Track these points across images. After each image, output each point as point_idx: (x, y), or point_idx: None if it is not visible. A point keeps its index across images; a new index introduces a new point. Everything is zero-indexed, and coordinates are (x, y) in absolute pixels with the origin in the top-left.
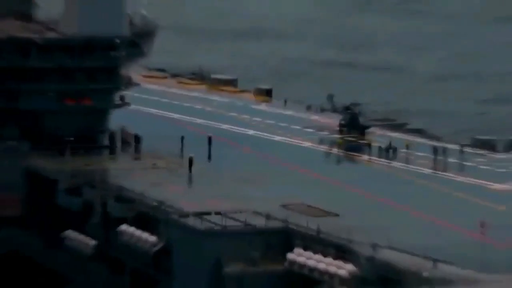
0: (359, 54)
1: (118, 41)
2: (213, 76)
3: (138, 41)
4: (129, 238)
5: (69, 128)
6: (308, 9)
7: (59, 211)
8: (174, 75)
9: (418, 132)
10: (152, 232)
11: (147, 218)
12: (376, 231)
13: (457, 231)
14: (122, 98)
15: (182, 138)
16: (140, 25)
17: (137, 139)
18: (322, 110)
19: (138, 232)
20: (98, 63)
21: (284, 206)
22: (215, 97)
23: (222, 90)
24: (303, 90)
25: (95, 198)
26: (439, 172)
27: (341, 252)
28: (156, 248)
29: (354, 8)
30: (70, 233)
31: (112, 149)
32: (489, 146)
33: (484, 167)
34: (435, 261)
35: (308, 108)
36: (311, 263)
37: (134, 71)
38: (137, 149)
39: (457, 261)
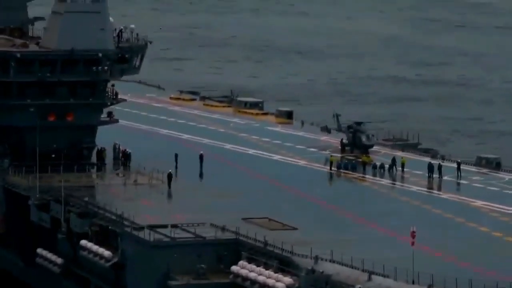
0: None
1: (100, 55)
2: (239, 98)
3: (128, 56)
4: (87, 254)
5: (52, 145)
6: (397, 29)
7: (33, 227)
8: (204, 98)
9: (427, 151)
10: (110, 246)
11: (106, 233)
12: (329, 244)
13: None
14: (109, 114)
15: (176, 155)
16: (131, 40)
17: (126, 155)
18: (328, 130)
19: (95, 247)
20: (80, 77)
21: (246, 219)
22: (235, 119)
23: (246, 112)
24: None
25: (60, 214)
26: (425, 189)
27: (284, 264)
28: (110, 263)
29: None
30: (41, 251)
31: (100, 165)
32: (494, 164)
33: (478, 185)
34: (371, 273)
35: (323, 128)
36: (252, 275)
37: (163, 93)
38: (126, 166)
39: (399, 274)
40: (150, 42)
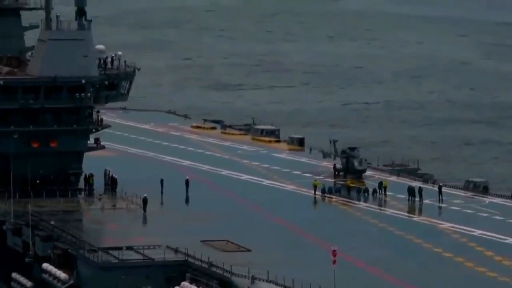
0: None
1: (83, 81)
2: (256, 126)
3: (116, 83)
4: (48, 277)
5: (39, 171)
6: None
7: (9, 251)
8: (225, 126)
9: (421, 176)
10: (71, 269)
11: (68, 256)
12: (275, 265)
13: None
14: (96, 140)
15: (162, 181)
16: (119, 67)
17: (113, 181)
18: (324, 155)
19: (54, 270)
20: (64, 104)
21: (204, 241)
22: (244, 147)
23: (260, 140)
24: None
25: (28, 238)
26: (398, 212)
27: (224, 285)
28: (66, 285)
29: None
30: (15, 275)
31: (84, 191)
32: (481, 188)
33: (454, 208)
34: None
35: (325, 154)
36: None
37: (188, 122)
38: (112, 191)
39: None
40: (138, 69)
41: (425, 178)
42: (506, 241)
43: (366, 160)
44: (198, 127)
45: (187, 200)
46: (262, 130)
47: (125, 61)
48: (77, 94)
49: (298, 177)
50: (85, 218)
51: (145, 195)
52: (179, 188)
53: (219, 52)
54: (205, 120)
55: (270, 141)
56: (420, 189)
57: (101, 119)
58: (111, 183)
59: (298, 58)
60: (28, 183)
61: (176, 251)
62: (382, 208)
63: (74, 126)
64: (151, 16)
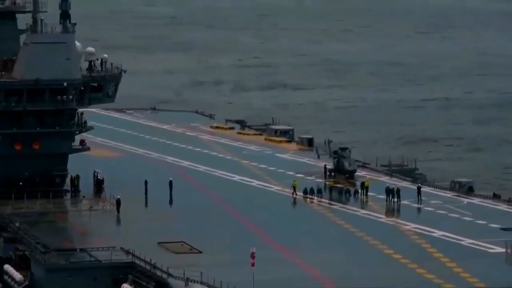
0: None
1: (65, 84)
2: (271, 127)
3: (102, 85)
4: (7, 278)
5: (23, 172)
6: None
7: None
8: (244, 126)
9: (414, 178)
10: (28, 271)
11: (26, 258)
12: (219, 266)
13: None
14: (82, 142)
15: (146, 182)
16: (104, 69)
17: (99, 182)
18: (319, 155)
19: (12, 271)
20: (46, 106)
21: (160, 243)
22: (252, 146)
23: (272, 140)
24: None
25: None
26: (369, 213)
27: (161, 286)
28: (21, 286)
29: None
30: None
31: (74, 192)
32: (466, 188)
33: (428, 208)
34: None
35: (319, 155)
36: None
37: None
38: (98, 192)
39: None
40: (124, 71)
41: (416, 178)
42: (462, 242)
43: (356, 160)
44: (217, 127)
45: (170, 202)
46: (276, 130)
47: (111, 63)
48: (59, 96)
49: (291, 177)
50: (56, 220)
51: (119, 196)
52: (166, 189)
53: (293, 51)
54: (227, 121)
55: (281, 141)
56: (398, 190)
57: (85, 121)
58: (96, 185)
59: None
60: (12, 184)
61: (127, 252)
62: (356, 209)
63: (57, 128)
64: (229, 14)
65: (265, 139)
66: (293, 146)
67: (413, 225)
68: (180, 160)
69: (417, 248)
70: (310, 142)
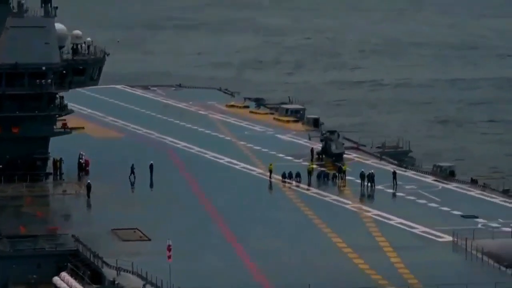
0: None
1: (44, 68)
2: (283, 106)
3: (85, 68)
4: None
5: (5, 156)
6: None
7: None
8: (259, 105)
9: (401, 161)
10: None
11: None
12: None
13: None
14: (64, 125)
15: (132, 166)
16: (88, 52)
17: (80, 166)
18: (310, 137)
19: None
20: (25, 91)
21: (113, 230)
22: (257, 127)
23: (279, 120)
24: None
25: None
26: (337, 198)
27: (96, 275)
28: None
29: None
30: None
31: (57, 175)
32: (447, 172)
33: (400, 194)
34: (145, 284)
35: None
36: (62, 286)
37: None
38: (80, 176)
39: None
40: (108, 54)
41: (403, 162)
42: (415, 230)
43: (343, 144)
44: (233, 105)
45: (151, 185)
46: (287, 110)
47: (94, 47)
48: (38, 80)
49: (280, 160)
50: (24, 204)
51: (89, 181)
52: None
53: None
54: (245, 99)
55: (288, 121)
56: (372, 175)
57: (65, 105)
58: (79, 168)
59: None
60: None
61: (76, 240)
62: (326, 195)
63: (36, 112)
64: None
65: (274, 118)
66: (299, 126)
67: (376, 212)
68: (177, 141)
69: (366, 237)
70: (316, 123)
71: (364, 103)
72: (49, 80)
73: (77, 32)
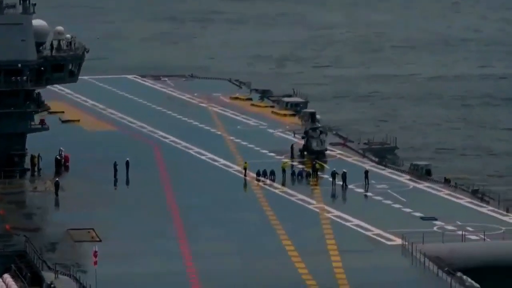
0: None
1: (20, 65)
2: (284, 99)
3: (64, 65)
4: None
5: None
6: None
7: None
8: (263, 97)
9: (384, 158)
10: None
11: None
12: (109, 258)
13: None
14: (42, 121)
15: (115, 164)
16: (68, 49)
17: (58, 162)
18: (294, 134)
19: None
20: (1, 87)
21: (69, 230)
22: (251, 121)
23: (277, 114)
24: None
25: None
26: (304, 198)
27: (37, 278)
28: None
29: None
30: None
31: (35, 172)
32: (423, 171)
33: (368, 194)
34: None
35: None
36: None
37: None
38: (61, 171)
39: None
40: (87, 51)
41: (384, 159)
42: (368, 233)
43: (325, 141)
44: (236, 98)
45: (127, 183)
46: (287, 103)
47: (74, 43)
48: (13, 77)
49: (262, 156)
50: None
51: (57, 179)
52: (133, 169)
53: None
54: (251, 90)
55: (285, 115)
56: (344, 174)
57: (42, 101)
58: (56, 164)
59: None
60: None
61: (26, 240)
62: (294, 194)
63: (12, 108)
64: None
65: (272, 112)
66: (295, 120)
67: (337, 213)
68: (167, 136)
69: (316, 240)
70: (312, 117)
71: (389, 97)
72: (25, 77)
73: (59, 28)
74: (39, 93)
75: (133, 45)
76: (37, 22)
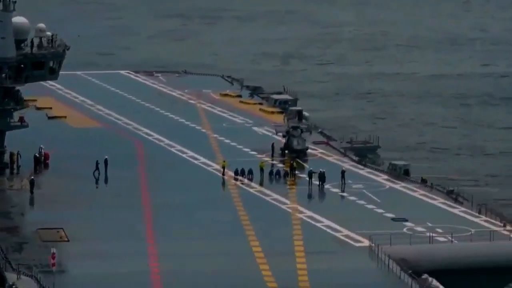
0: None
1: None
2: (273, 96)
3: (44, 62)
4: None
5: None
6: None
7: None
8: (253, 94)
9: (364, 157)
10: None
11: None
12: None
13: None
14: (21, 119)
15: (97, 162)
16: (49, 46)
17: (37, 160)
18: (277, 132)
19: None
20: None
21: (39, 229)
22: (237, 118)
23: (264, 111)
24: None
25: None
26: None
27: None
28: None
29: None
30: None
31: (14, 169)
32: (401, 171)
33: (344, 194)
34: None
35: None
36: None
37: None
38: (41, 169)
39: None
40: (68, 48)
41: (364, 159)
42: (338, 234)
43: (305, 140)
44: (226, 95)
45: (106, 181)
46: (275, 100)
47: (54, 41)
48: None
49: (244, 155)
50: None
51: (32, 177)
52: (112, 167)
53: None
54: (242, 87)
55: (273, 113)
56: (322, 173)
57: (21, 98)
58: (34, 162)
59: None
60: None
61: None
62: (269, 193)
63: None
64: None
65: (259, 109)
66: (281, 117)
67: (309, 213)
68: (151, 133)
69: (285, 241)
70: (299, 115)
71: (389, 95)
72: (4, 75)
73: (41, 25)
74: (18, 90)
75: (140, 41)
76: (17, 20)
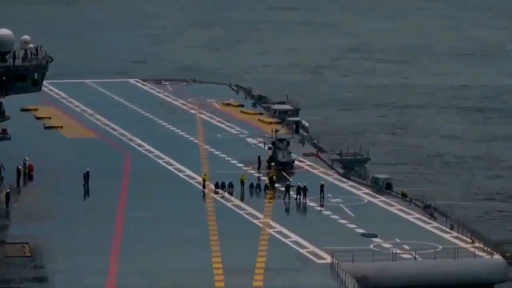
0: None
1: None
2: (273, 106)
3: (26, 74)
4: None
5: None
6: None
7: None
8: (256, 104)
9: (351, 170)
10: None
11: None
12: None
13: None
14: (4, 131)
15: (85, 174)
16: (34, 58)
17: (19, 172)
18: (265, 144)
19: None
20: None
21: (5, 243)
22: (233, 129)
23: (262, 121)
24: None
25: None
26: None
27: None
28: None
29: None
30: None
31: None
32: (383, 185)
33: (319, 208)
34: None
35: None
36: None
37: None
38: (18, 182)
39: None
40: (51, 60)
41: (349, 172)
42: (303, 250)
43: (291, 152)
44: (228, 104)
45: (87, 194)
46: (275, 110)
47: (37, 53)
48: None
49: (231, 167)
50: None
51: (8, 190)
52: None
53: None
54: (246, 96)
55: (271, 123)
56: (304, 188)
57: (3, 111)
58: (17, 174)
59: None
60: None
61: None
62: (245, 208)
63: None
64: None
65: (258, 120)
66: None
67: (279, 229)
68: (143, 144)
69: (247, 257)
70: (297, 125)
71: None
72: None
73: (26, 37)
74: (1, 103)
75: (176, 51)
76: (2, 32)
